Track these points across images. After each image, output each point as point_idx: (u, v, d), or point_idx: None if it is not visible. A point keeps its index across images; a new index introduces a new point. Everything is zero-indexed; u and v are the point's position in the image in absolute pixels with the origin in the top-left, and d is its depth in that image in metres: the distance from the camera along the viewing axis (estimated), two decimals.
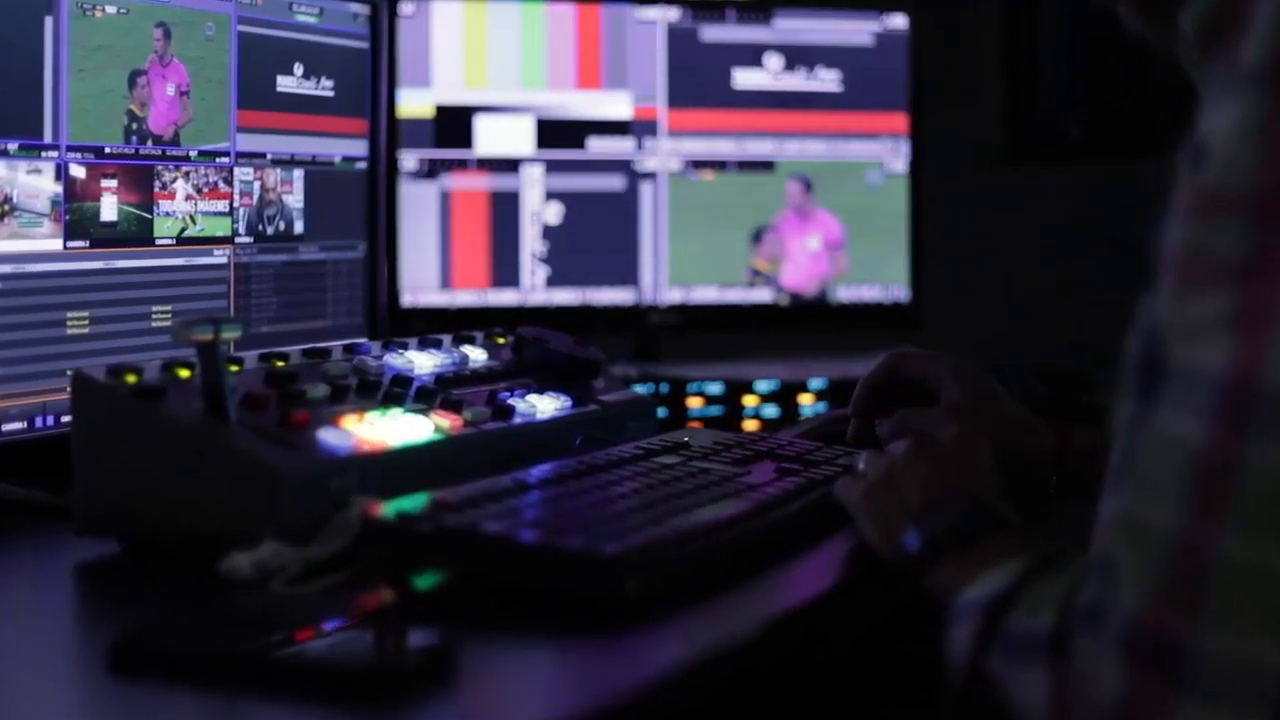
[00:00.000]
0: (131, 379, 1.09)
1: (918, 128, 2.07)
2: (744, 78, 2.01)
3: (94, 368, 1.09)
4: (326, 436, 1.09)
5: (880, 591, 1.06)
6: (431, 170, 1.88)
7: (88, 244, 1.30)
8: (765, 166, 2.02)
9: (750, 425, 1.73)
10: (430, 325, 1.59)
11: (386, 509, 1.00)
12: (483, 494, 1.03)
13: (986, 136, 2.99)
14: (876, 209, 2.06)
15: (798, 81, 2.03)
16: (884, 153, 2.06)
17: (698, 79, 1.99)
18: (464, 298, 1.90)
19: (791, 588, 1.03)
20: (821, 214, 2.04)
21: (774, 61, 2.02)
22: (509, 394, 1.27)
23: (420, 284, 1.89)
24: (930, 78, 2.11)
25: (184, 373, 1.11)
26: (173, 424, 1.07)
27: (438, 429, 1.17)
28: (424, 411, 1.18)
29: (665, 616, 0.92)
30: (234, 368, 1.15)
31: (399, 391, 1.20)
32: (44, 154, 1.25)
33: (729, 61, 2.00)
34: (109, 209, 1.31)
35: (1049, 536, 0.98)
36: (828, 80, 2.04)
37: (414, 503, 1.01)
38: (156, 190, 1.36)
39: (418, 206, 1.88)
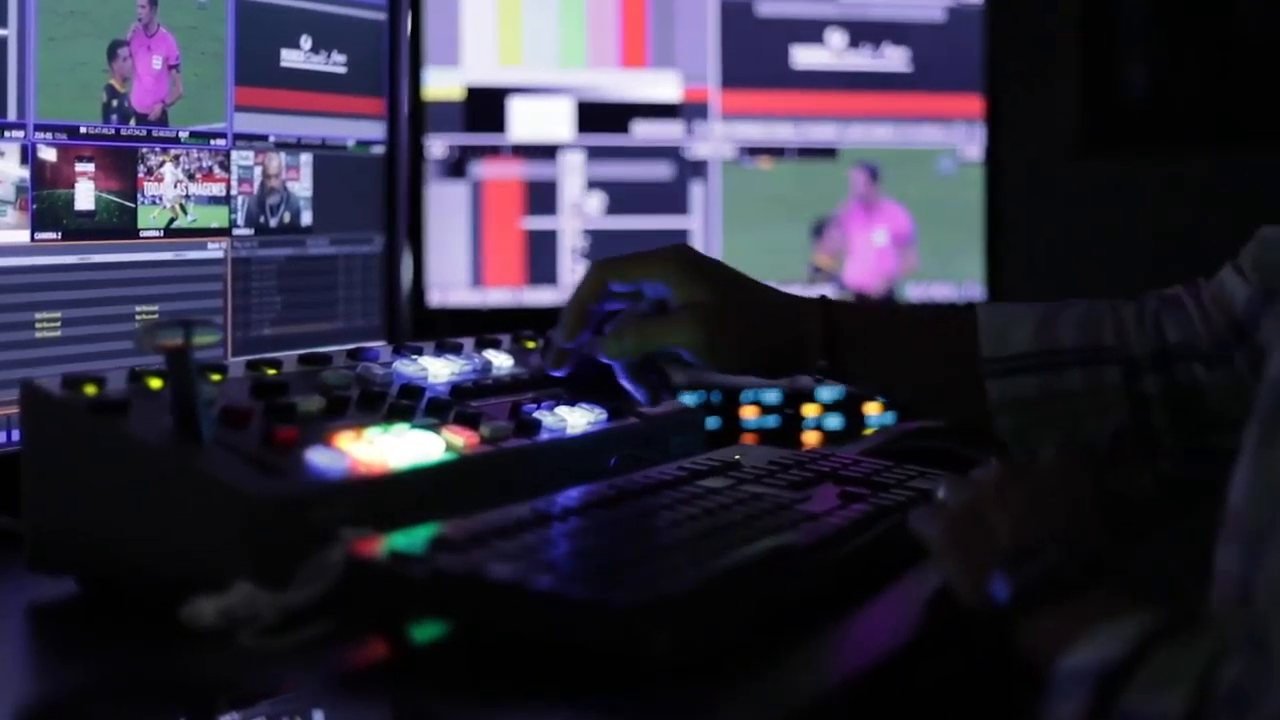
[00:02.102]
0: (90, 390, 0.95)
1: (994, 111, 1.97)
2: (804, 56, 1.92)
3: (49, 378, 0.96)
4: (315, 458, 0.95)
5: (964, 648, 0.90)
6: (461, 158, 1.79)
7: (59, 236, 1.16)
8: (827, 154, 1.93)
9: (811, 438, 1.61)
10: (460, 327, 1.48)
11: (376, 547, 0.85)
12: (494, 528, 0.89)
13: (1066, 121, 2.84)
14: (949, 200, 1.97)
15: (863, 60, 1.94)
16: (957, 138, 1.97)
17: (753, 57, 1.89)
18: (496, 296, 1.82)
19: (856, 643, 0.89)
20: (889, 205, 1.95)
21: (837, 38, 1.93)
22: (535, 406, 1.14)
23: (449, 281, 1.80)
24: (1007, 56, 2.01)
25: (155, 383, 0.98)
26: (134, 444, 0.93)
27: (450, 448, 1.03)
28: (435, 427, 1.04)
29: (705, 678, 0.79)
30: (215, 377, 1.02)
31: (407, 404, 1.06)
32: (8, 134, 1.12)
33: (788, 38, 1.91)
34: (85, 196, 1.18)
35: (1159, 578, 0.86)
36: (895, 59, 1.95)
37: (411, 539, 0.86)
38: (141, 175, 1.22)
39: (446, 197, 1.79)
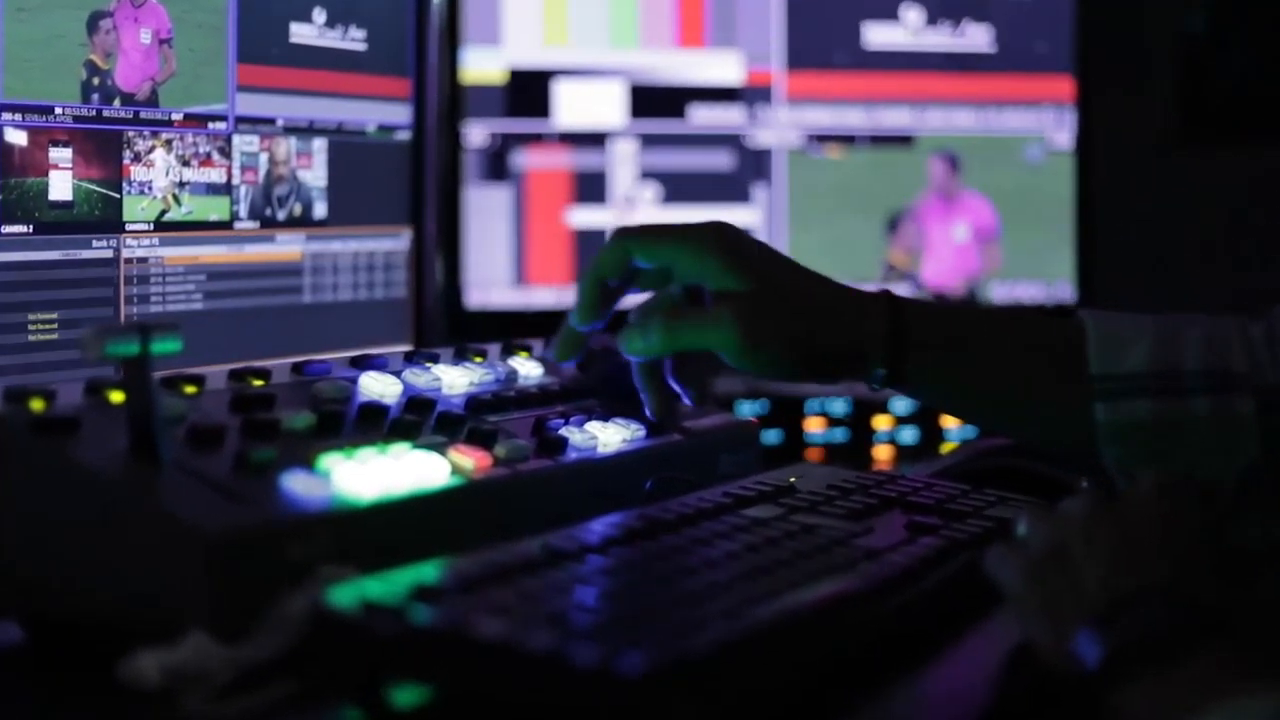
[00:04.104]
0: (36, 406, 0.84)
1: (1086, 95, 1.88)
2: (877, 34, 1.84)
3: None
4: (293, 484, 0.84)
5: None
6: (502, 146, 1.72)
7: (30, 229, 1.05)
8: (902, 141, 1.85)
9: (883, 453, 1.52)
10: (501, 330, 1.37)
11: (344, 595, 0.73)
12: (492, 571, 0.77)
13: (1166, 105, 2.72)
14: (1036, 192, 1.88)
15: (942, 39, 1.85)
16: (1045, 125, 1.88)
17: (822, 36, 1.82)
18: (541, 297, 1.74)
19: (919, 712, 0.77)
20: (970, 197, 1.86)
21: (914, 15, 1.85)
22: (562, 422, 1.03)
23: (489, 280, 1.72)
24: (1100, 35, 1.92)
25: (117, 397, 0.86)
26: (79, 469, 0.82)
27: (457, 471, 0.91)
28: (441, 447, 0.93)
29: None
30: (189, 389, 0.91)
31: (413, 419, 0.95)
32: None
33: (859, 15, 1.83)
34: (61, 185, 1.07)
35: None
36: (978, 37, 1.86)
37: (390, 585, 0.74)
38: (127, 162, 1.11)
39: (486, 189, 1.71)
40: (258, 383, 0.95)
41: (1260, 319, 1.07)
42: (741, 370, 1.03)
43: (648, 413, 1.05)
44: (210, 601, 0.77)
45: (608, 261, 1.04)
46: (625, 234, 1.04)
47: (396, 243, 1.36)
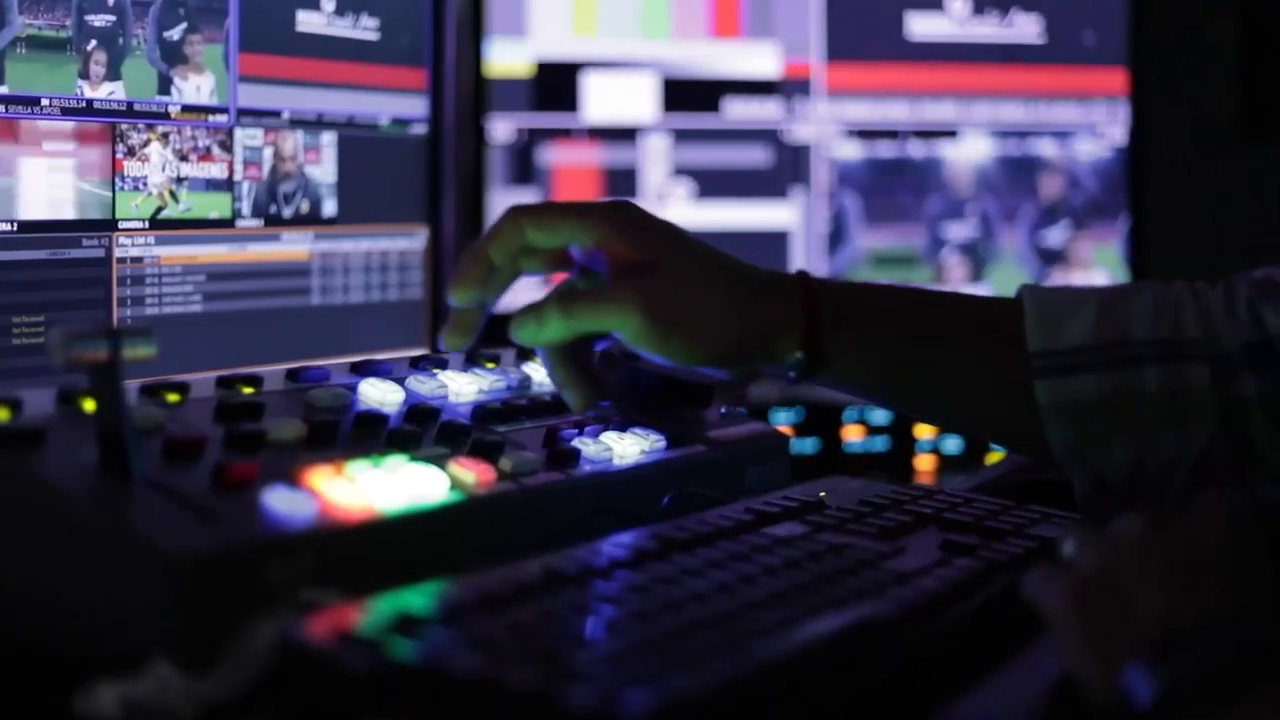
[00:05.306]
0: (1, 416, 0.79)
1: (1140, 89, 1.85)
2: (921, 25, 1.81)
3: None
4: (275, 501, 0.78)
5: None
6: (529, 142, 1.70)
7: (14, 227, 1.01)
8: (948, 135, 1.81)
9: (925, 464, 1.48)
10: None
11: (316, 625, 0.67)
12: (481, 598, 0.71)
13: (1225, 99, 2.67)
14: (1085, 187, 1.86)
15: (989, 29, 1.82)
16: (1098, 118, 1.85)
17: (863, 26, 1.79)
18: None
19: None
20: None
21: (959, 4, 1.82)
22: (575, 432, 0.97)
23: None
24: (1155, 24, 1.90)
25: (90, 405, 0.81)
26: (42, 484, 0.76)
27: (457, 485, 0.86)
28: (441, 460, 0.87)
29: None
30: (171, 397, 0.86)
31: (413, 430, 0.89)
32: None
33: (902, 4, 1.81)
34: (48, 181, 1.03)
35: None
36: (1026, 28, 1.83)
37: (369, 613, 0.68)
38: (120, 156, 1.06)
39: (511, 186, 1.68)
40: (247, 390, 0.90)
41: (1217, 285, 1.01)
42: (648, 355, 0.96)
43: (570, 405, 0.98)
44: (175, 629, 0.71)
45: (497, 237, 0.96)
46: (519, 211, 0.97)
47: (411, 242, 1.32)
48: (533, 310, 0.95)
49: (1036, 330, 0.98)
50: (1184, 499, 0.98)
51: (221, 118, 1.13)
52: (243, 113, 1.14)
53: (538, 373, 1.03)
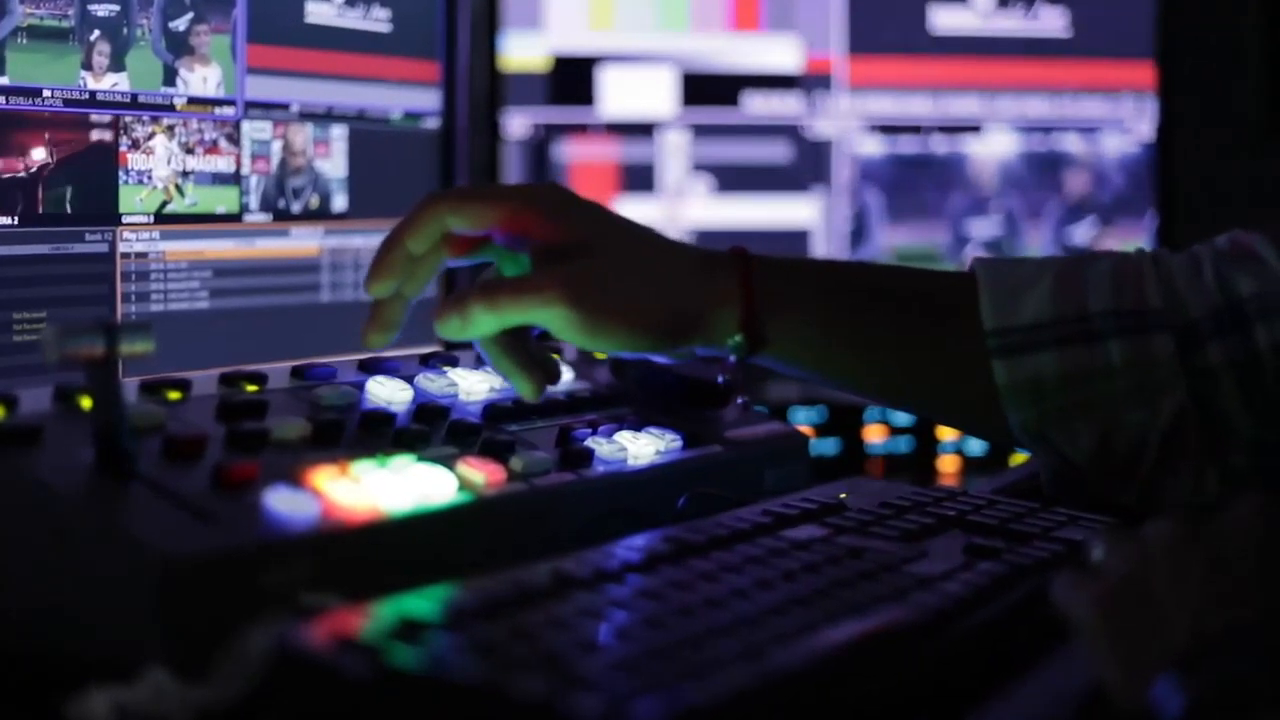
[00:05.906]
0: None
1: (1168, 82, 1.86)
2: (944, 18, 1.81)
3: None
4: (276, 502, 0.76)
5: None
6: (545, 137, 1.71)
7: (16, 221, 0.99)
8: (972, 130, 1.82)
9: (949, 465, 1.48)
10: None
11: (313, 631, 0.65)
12: (486, 602, 0.69)
13: (1256, 93, 2.66)
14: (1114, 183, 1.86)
15: (1013, 22, 1.83)
16: (1125, 113, 1.84)
17: (885, 19, 1.80)
18: None
19: None
20: None
21: None
22: (589, 432, 0.95)
23: None
24: (1184, 17, 1.92)
25: (88, 403, 0.79)
26: (36, 484, 0.74)
27: (465, 486, 0.84)
28: (450, 460, 0.85)
29: None
30: (172, 395, 0.84)
31: (421, 429, 0.87)
32: None
33: None
34: (51, 174, 1.00)
35: None
36: (1052, 20, 1.84)
37: (369, 618, 0.66)
38: (124, 149, 1.04)
39: (527, 181, 1.68)
40: (251, 388, 0.88)
41: (1179, 253, 0.98)
42: (579, 345, 0.93)
43: (521, 394, 0.94)
44: (170, 634, 0.69)
45: (413, 225, 0.92)
46: (437, 197, 0.93)
47: None
48: (455, 304, 0.91)
49: (991, 307, 0.95)
50: (1154, 475, 0.95)
51: (229, 110, 1.10)
52: (251, 105, 1.12)
53: None
